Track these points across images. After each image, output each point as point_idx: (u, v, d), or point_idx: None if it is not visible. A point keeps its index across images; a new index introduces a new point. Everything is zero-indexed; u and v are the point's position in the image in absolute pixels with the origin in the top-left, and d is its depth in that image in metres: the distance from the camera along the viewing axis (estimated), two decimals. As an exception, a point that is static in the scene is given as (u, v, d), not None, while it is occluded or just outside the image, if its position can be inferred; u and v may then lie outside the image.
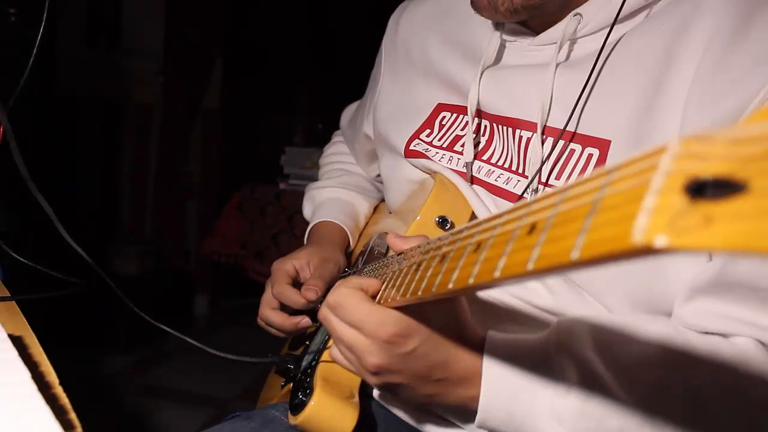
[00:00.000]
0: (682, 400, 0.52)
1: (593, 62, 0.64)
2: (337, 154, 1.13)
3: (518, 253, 0.30)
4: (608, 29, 0.64)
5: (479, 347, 0.56)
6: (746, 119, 0.22)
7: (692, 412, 0.52)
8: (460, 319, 0.56)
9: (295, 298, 0.79)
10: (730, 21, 0.57)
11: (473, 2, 0.68)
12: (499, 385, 0.55)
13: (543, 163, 0.65)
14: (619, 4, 0.62)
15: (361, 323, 0.53)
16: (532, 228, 0.29)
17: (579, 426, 0.52)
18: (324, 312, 0.58)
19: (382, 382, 0.56)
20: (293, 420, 0.69)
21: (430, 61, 0.83)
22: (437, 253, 0.43)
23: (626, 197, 0.23)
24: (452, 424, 0.72)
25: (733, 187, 0.20)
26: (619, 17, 0.64)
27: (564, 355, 0.54)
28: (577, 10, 0.65)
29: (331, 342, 0.74)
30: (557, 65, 0.66)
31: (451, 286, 0.37)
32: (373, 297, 0.55)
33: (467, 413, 0.58)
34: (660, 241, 0.20)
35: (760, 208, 0.19)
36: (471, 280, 0.34)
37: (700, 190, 0.20)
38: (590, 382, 0.53)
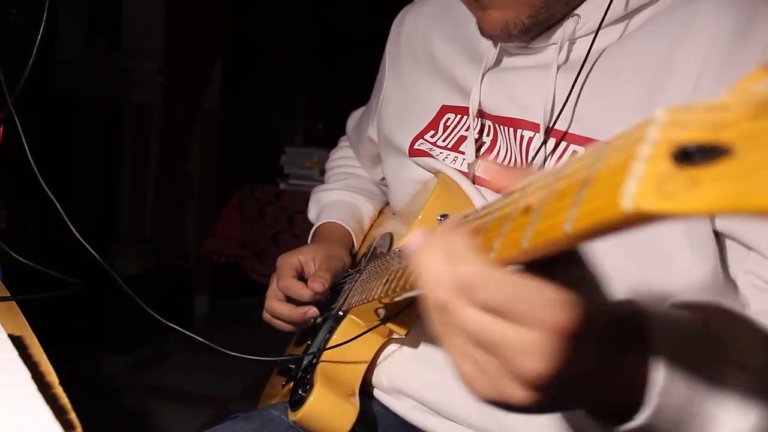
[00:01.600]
0: None
1: (592, 62, 0.64)
2: (343, 158, 1.14)
3: (513, 233, 0.30)
4: (614, 27, 0.64)
5: (628, 324, 0.41)
6: (734, 86, 0.22)
7: None
8: (600, 288, 0.38)
9: (302, 291, 0.80)
10: (732, 23, 0.57)
11: (482, 31, 0.69)
12: (674, 364, 0.40)
13: (544, 160, 0.65)
14: (619, 4, 0.63)
15: (517, 306, 0.32)
16: (527, 209, 0.29)
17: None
18: (443, 298, 0.34)
19: (542, 399, 0.35)
20: (292, 416, 0.69)
21: (435, 61, 0.83)
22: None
23: (616, 168, 0.24)
24: (454, 423, 0.72)
25: (719, 152, 0.20)
26: (619, 18, 0.64)
27: (728, 325, 0.47)
28: (576, 11, 0.66)
29: (332, 341, 0.74)
30: (558, 66, 0.66)
31: (492, 256, 0.34)
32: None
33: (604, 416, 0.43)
34: (648, 204, 0.21)
35: (744, 168, 0.19)
36: (525, 243, 0.31)
37: (688, 156, 0.21)
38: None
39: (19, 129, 0.73)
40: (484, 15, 0.66)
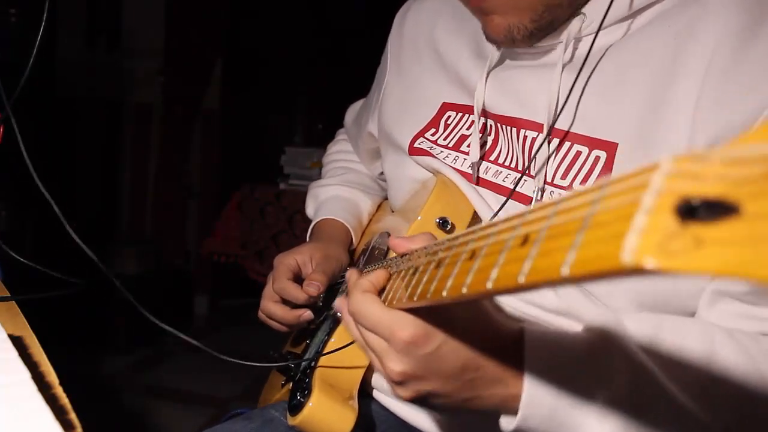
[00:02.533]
0: (732, 397, 0.51)
1: (595, 61, 0.64)
2: (340, 152, 1.13)
3: (510, 265, 0.29)
4: (620, 25, 0.64)
5: (512, 341, 0.51)
6: (743, 137, 0.22)
7: (742, 405, 0.51)
8: (483, 312, 0.51)
9: (297, 294, 0.79)
10: (740, 23, 0.56)
11: (487, 36, 0.68)
12: (543, 377, 0.50)
13: (547, 159, 0.65)
14: (626, 3, 0.62)
15: (376, 326, 0.49)
16: (525, 239, 0.29)
17: (629, 424, 0.50)
18: (346, 320, 0.54)
19: (413, 392, 0.50)
20: (291, 421, 0.69)
21: (439, 55, 0.83)
22: (434, 258, 0.43)
23: (617, 215, 0.23)
24: (450, 424, 0.72)
25: (726, 210, 0.19)
26: (625, 16, 0.64)
27: (610, 347, 0.52)
28: (581, 10, 0.65)
29: (330, 344, 0.74)
30: (564, 65, 0.65)
31: (445, 294, 0.37)
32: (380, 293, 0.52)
33: (497, 421, 0.54)
34: (649, 263, 0.20)
35: (751, 233, 0.18)
36: (464, 290, 0.34)
37: (692, 211, 0.20)
38: (640, 376, 0.50)
39: (16, 132, 0.73)
40: (488, 20, 0.66)
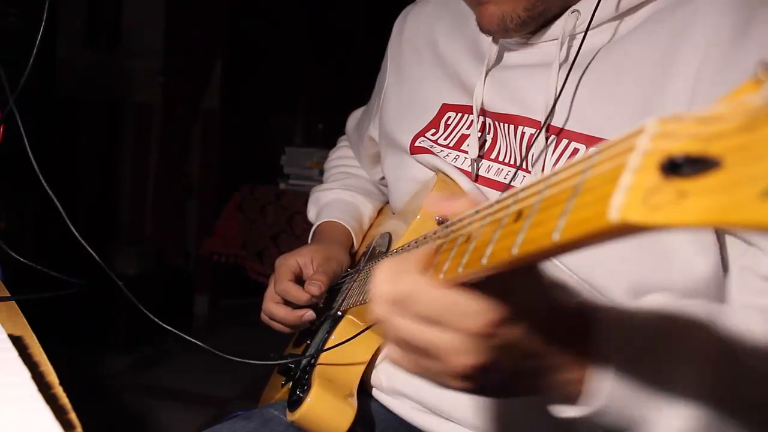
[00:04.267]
0: None
1: (589, 59, 0.64)
2: (342, 158, 1.14)
3: (504, 240, 0.30)
4: (613, 24, 0.65)
5: (575, 321, 0.45)
6: (724, 97, 0.22)
7: None
8: (548, 288, 0.44)
9: (299, 295, 0.80)
10: (731, 21, 0.57)
11: (481, 26, 0.69)
12: (613, 363, 0.44)
13: (541, 152, 0.65)
14: (614, 1, 0.63)
15: (442, 316, 0.39)
16: (519, 215, 0.30)
17: (707, 410, 0.45)
18: (382, 311, 0.42)
19: (477, 385, 0.44)
20: (291, 416, 0.69)
21: (439, 58, 0.84)
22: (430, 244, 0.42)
23: (605, 178, 0.23)
24: (452, 423, 0.72)
25: (708, 164, 0.20)
26: (616, 15, 0.64)
27: (686, 327, 0.48)
28: (575, 6, 0.66)
29: (330, 342, 0.74)
30: (561, 64, 0.66)
31: (441, 276, 0.37)
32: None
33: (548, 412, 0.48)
34: (634, 217, 0.21)
35: (731, 181, 0.19)
36: (460, 270, 0.34)
37: (676, 167, 0.20)
38: (723, 358, 0.47)
39: (21, 129, 0.73)
40: (482, 10, 0.67)
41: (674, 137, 0.22)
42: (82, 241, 0.72)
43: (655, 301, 0.53)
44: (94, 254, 0.72)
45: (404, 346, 0.43)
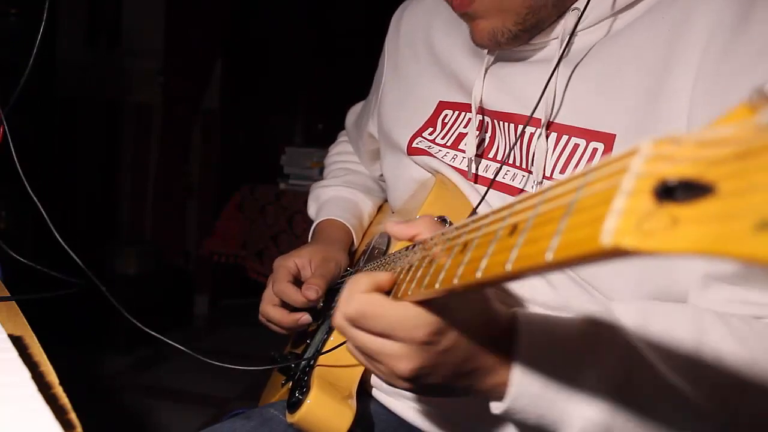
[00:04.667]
0: (722, 376, 0.51)
1: (584, 53, 0.64)
2: (341, 154, 1.13)
3: (499, 255, 0.30)
4: (612, 19, 0.64)
5: (506, 328, 0.51)
6: (719, 120, 0.22)
7: (730, 388, 0.51)
8: (486, 300, 0.51)
9: (296, 297, 0.79)
10: (732, 12, 0.57)
11: (475, 40, 0.69)
12: (534, 361, 0.51)
13: (540, 150, 0.65)
14: None
15: (391, 330, 0.47)
16: (514, 229, 0.30)
17: (618, 404, 0.50)
18: (341, 324, 0.51)
19: (419, 386, 0.52)
20: (290, 418, 0.69)
21: (435, 55, 0.83)
22: (428, 253, 0.43)
23: (598, 199, 0.23)
24: (450, 423, 0.72)
25: (701, 190, 0.19)
26: (618, 9, 0.64)
27: (601, 331, 0.52)
28: (575, 5, 0.66)
29: (329, 343, 0.74)
30: (558, 60, 0.66)
31: (437, 286, 0.38)
32: (388, 293, 0.51)
33: (487, 414, 0.54)
34: (626, 243, 0.20)
35: (725, 211, 0.18)
36: (456, 281, 0.35)
37: (670, 192, 0.20)
38: (631, 357, 0.50)
39: (8, 134, 0.73)
40: (473, 25, 0.67)
41: (668, 160, 0.21)
42: (66, 246, 0.71)
43: (588, 311, 0.55)
44: (77, 259, 0.72)
45: (358, 351, 0.52)
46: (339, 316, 0.51)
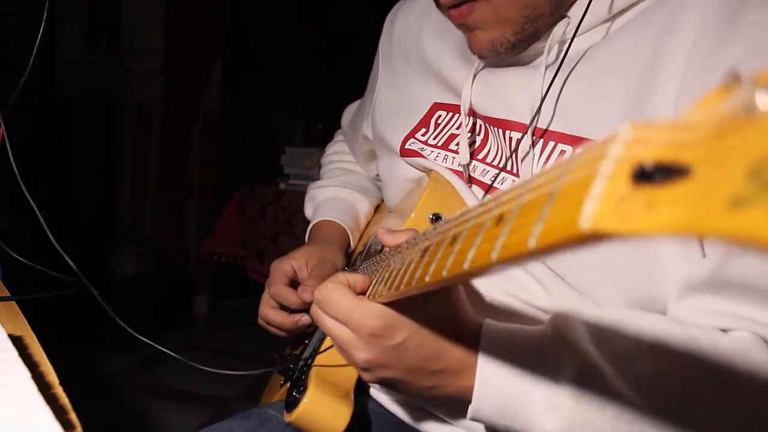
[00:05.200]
0: (679, 390, 0.52)
1: (576, 61, 0.64)
2: (338, 153, 1.13)
3: (485, 244, 0.30)
4: (603, 25, 0.65)
5: (476, 337, 0.54)
6: (696, 105, 0.22)
7: (689, 402, 0.52)
8: (455, 308, 0.54)
9: (292, 299, 0.79)
10: (717, 16, 0.57)
11: (472, 50, 0.69)
12: (495, 374, 0.53)
13: (526, 156, 0.65)
14: (607, 4, 0.63)
15: (346, 317, 0.52)
16: (500, 219, 0.30)
17: (574, 415, 0.52)
18: (313, 307, 0.57)
19: (376, 378, 0.55)
20: (288, 417, 0.69)
21: (426, 59, 0.83)
22: (420, 246, 0.44)
23: (578, 185, 0.23)
24: (449, 423, 0.72)
25: (678, 172, 0.20)
26: (606, 18, 0.64)
27: (560, 345, 0.54)
28: (568, 12, 0.66)
29: (326, 342, 0.75)
30: (546, 67, 0.66)
31: (428, 279, 0.38)
32: (363, 293, 0.55)
33: (463, 407, 0.56)
34: (604, 226, 0.21)
35: (700, 191, 0.19)
36: (444, 273, 0.35)
37: (648, 175, 0.20)
38: (587, 372, 0.52)
39: (5, 135, 0.73)
40: (472, 36, 0.67)
41: (646, 144, 0.22)
42: (59, 247, 0.71)
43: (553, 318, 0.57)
44: (69, 261, 0.72)
45: (330, 337, 0.55)
46: (313, 297, 0.57)
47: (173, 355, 0.74)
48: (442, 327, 0.53)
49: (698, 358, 0.53)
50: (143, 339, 0.73)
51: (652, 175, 0.20)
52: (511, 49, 0.66)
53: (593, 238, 0.22)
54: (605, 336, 0.54)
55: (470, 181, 0.73)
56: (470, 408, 0.54)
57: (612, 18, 0.65)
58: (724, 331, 0.56)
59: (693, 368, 0.53)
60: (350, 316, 0.52)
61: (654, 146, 0.21)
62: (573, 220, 0.22)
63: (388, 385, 0.56)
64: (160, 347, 0.74)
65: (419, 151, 0.78)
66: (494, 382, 0.53)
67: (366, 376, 0.55)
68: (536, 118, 0.65)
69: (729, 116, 0.20)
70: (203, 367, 0.73)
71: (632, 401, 0.51)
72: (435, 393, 0.56)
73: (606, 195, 0.21)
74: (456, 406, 0.66)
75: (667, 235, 0.19)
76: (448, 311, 0.54)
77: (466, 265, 0.32)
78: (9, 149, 0.74)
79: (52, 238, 0.72)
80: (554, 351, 0.54)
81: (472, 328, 0.55)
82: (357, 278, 0.55)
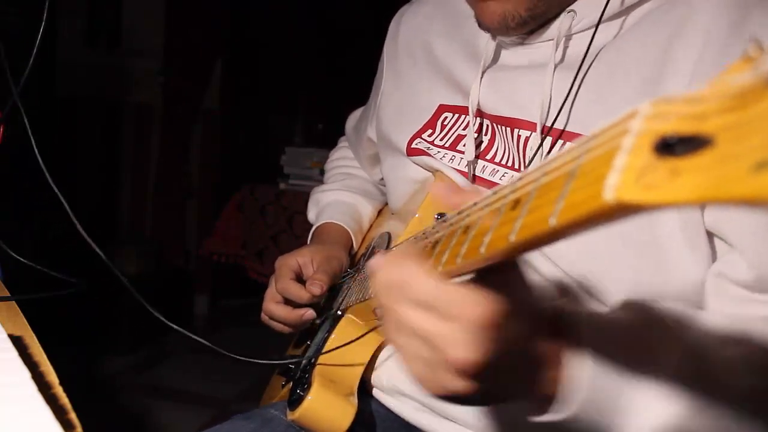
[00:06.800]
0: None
1: (590, 61, 0.64)
2: (342, 159, 1.14)
3: (502, 228, 0.30)
4: (611, 23, 0.65)
5: (554, 318, 0.46)
6: (717, 77, 0.22)
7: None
8: (529, 289, 0.43)
9: (300, 293, 0.80)
10: (726, 18, 0.57)
11: (481, 23, 0.70)
12: (585, 362, 0.45)
13: (535, 155, 0.65)
14: (615, 1, 0.63)
15: (438, 302, 0.38)
16: (516, 203, 0.30)
17: (680, 404, 0.46)
18: (382, 296, 0.42)
19: (475, 387, 0.40)
20: (291, 415, 0.69)
21: (434, 60, 0.83)
22: (430, 239, 0.44)
23: (600, 161, 0.24)
24: (453, 423, 0.72)
25: (701, 142, 0.20)
26: (615, 14, 0.64)
27: (653, 326, 0.50)
28: (571, 6, 0.66)
29: (329, 342, 0.74)
30: (555, 65, 0.66)
31: (440, 269, 0.38)
32: None
33: (494, 409, 0.52)
34: (628, 196, 0.21)
35: (722, 158, 0.19)
36: (458, 260, 0.35)
37: (670, 147, 0.21)
38: (687, 360, 0.48)
39: (27, 127, 0.73)
40: (483, 7, 0.67)
41: (667, 118, 0.22)
42: (88, 239, 0.71)
43: (629, 305, 0.54)
44: (99, 252, 0.72)
45: (404, 334, 0.41)
46: (378, 287, 0.42)
47: (207, 344, 0.73)
48: (527, 315, 0.42)
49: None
50: (178, 328, 0.72)
51: (674, 146, 0.20)
52: (522, 25, 0.66)
53: (617, 210, 0.22)
54: (686, 324, 0.52)
55: (475, 181, 0.73)
56: (569, 405, 0.45)
57: (619, 15, 0.65)
58: None
59: None
60: (447, 301, 0.38)
61: (675, 119, 0.21)
62: (596, 193, 0.22)
63: (479, 399, 0.44)
64: (194, 336, 0.73)
65: (426, 150, 0.78)
66: (585, 372, 0.45)
67: (460, 386, 0.40)
68: (546, 117, 0.65)
69: (750, 86, 0.20)
70: (226, 352, 0.73)
71: (737, 388, 0.48)
72: (513, 396, 0.46)
73: (629, 167, 0.21)
74: (471, 408, 0.64)
75: (692, 203, 0.19)
76: (531, 297, 0.43)
77: (482, 250, 0.31)
78: (35, 146, 0.74)
79: (81, 230, 0.71)
80: (647, 336, 0.48)
81: (548, 314, 0.46)
82: (417, 246, 0.44)
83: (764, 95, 0.19)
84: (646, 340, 0.48)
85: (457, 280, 0.38)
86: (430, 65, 0.84)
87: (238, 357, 0.73)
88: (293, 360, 0.83)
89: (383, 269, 0.41)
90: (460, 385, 0.40)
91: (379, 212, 1.05)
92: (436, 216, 0.73)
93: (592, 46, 0.65)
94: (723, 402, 0.47)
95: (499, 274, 0.38)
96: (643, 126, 0.22)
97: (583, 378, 0.44)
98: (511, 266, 0.39)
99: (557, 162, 0.28)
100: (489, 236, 0.31)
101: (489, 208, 0.34)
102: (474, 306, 0.37)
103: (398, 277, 0.40)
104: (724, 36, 0.57)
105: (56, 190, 0.71)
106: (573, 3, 0.66)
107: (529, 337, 0.42)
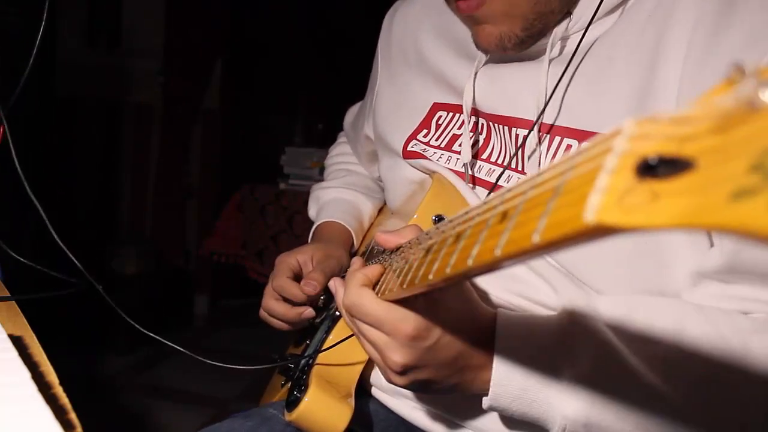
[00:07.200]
0: (698, 370, 0.53)
1: (582, 56, 0.64)
2: (341, 155, 1.13)
3: (489, 240, 0.30)
4: (604, 19, 0.65)
5: (490, 327, 0.55)
6: (701, 98, 0.22)
7: (709, 383, 0.52)
8: (471, 301, 0.55)
9: (295, 292, 0.80)
10: (713, 5, 0.57)
11: (478, 45, 0.69)
12: (512, 360, 0.54)
13: (533, 152, 0.65)
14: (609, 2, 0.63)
15: (379, 322, 0.52)
16: (504, 216, 0.30)
17: (593, 398, 0.52)
18: (343, 312, 0.57)
19: (410, 381, 0.54)
20: (288, 416, 0.69)
21: (425, 59, 0.83)
22: (423, 245, 0.44)
23: (583, 179, 0.24)
24: (449, 422, 0.72)
25: (682, 165, 0.20)
26: (606, 10, 0.64)
27: (577, 328, 0.55)
28: (572, 10, 0.66)
29: (328, 341, 0.74)
30: (550, 61, 0.66)
31: (431, 277, 0.38)
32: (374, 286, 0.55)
33: (478, 405, 0.57)
34: (608, 219, 0.21)
35: (704, 184, 0.19)
36: (448, 270, 0.35)
37: (651, 169, 0.20)
38: (605, 354, 0.53)
39: (8, 134, 0.73)
40: (479, 29, 0.66)
41: (650, 138, 0.22)
42: (63, 246, 0.71)
43: (572, 305, 0.58)
44: (74, 259, 0.71)
45: (364, 340, 0.55)
46: (340, 304, 0.57)
47: (181, 349, 0.74)
48: (463, 323, 0.53)
49: (717, 338, 0.53)
50: (151, 335, 0.73)
51: (656, 168, 0.20)
52: (519, 44, 0.66)
53: (597, 231, 0.22)
54: (621, 320, 0.55)
55: (473, 181, 0.73)
56: (488, 396, 0.55)
57: (612, 10, 0.65)
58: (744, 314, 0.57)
59: (712, 348, 0.53)
60: (384, 320, 0.51)
61: (657, 140, 0.21)
62: (577, 214, 0.22)
63: (418, 387, 0.56)
64: (170, 343, 0.73)
65: (422, 152, 0.78)
66: (511, 369, 0.54)
67: (399, 380, 0.54)
68: (542, 114, 0.65)
69: (732, 110, 0.20)
70: (209, 361, 0.73)
71: (651, 382, 0.52)
72: (461, 388, 0.56)
73: (610, 188, 0.21)
74: (469, 406, 0.66)
75: (670, 228, 0.19)
76: (465, 307, 0.54)
77: (469, 262, 0.32)
78: (12, 149, 0.73)
79: (56, 237, 0.72)
80: (571, 335, 0.55)
81: (488, 321, 0.56)
82: (374, 270, 0.55)
83: (744, 120, 0.19)
84: (569, 344, 0.55)
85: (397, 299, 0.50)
86: (421, 64, 0.84)
87: (215, 363, 0.73)
88: (284, 363, 0.82)
89: (345, 294, 0.54)
90: (399, 380, 0.54)
91: (380, 210, 1.05)
92: (433, 217, 0.73)
93: (585, 42, 0.65)
94: (635, 396, 0.53)
95: (430, 295, 0.49)
96: (626, 146, 0.22)
97: (505, 378, 0.54)
98: (444, 288, 0.48)
99: (545, 175, 0.28)
100: (477, 248, 0.32)
101: (479, 218, 0.34)
102: (402, 323, 0.50)
103: (356, 300, 0.53)
104: (712, 21, 0.56)
105: (33, 199, 0.71)
106: (574, 8, 0.66)
107: (462, 340, 0.53)
